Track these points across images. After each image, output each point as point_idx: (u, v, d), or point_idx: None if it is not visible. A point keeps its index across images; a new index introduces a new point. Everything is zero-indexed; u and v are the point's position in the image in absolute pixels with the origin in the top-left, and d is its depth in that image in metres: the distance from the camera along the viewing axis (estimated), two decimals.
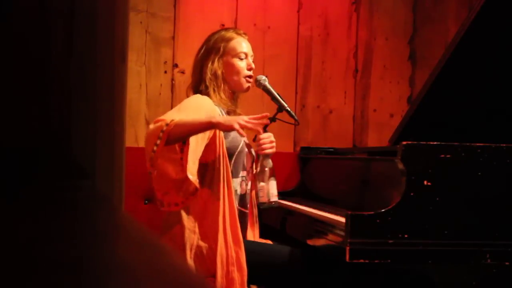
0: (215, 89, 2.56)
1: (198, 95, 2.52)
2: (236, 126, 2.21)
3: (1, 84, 0.71)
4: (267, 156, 2.55)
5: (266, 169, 2.56)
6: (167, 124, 2.21)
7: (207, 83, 2.56)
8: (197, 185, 2.32)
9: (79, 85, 0.75)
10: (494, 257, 2.16)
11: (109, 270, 0.44)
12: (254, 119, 2.29)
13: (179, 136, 2.24)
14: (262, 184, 2.54)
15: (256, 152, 2.59)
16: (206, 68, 2.57)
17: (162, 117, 2.30)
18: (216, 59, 2.57)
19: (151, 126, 2.29)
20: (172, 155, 2.31)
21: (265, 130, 2.65)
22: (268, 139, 2.54)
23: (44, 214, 0.62)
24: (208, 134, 2.38)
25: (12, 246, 0.47)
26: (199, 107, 2.42)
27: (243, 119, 2.26)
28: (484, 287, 2.21)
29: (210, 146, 2.43)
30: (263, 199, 2.52)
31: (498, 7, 2.40)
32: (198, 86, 2.59)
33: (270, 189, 2.54)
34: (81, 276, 0.41)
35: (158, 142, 2.22)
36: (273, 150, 2.56)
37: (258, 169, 2.56)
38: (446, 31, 3.68)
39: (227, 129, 2.27)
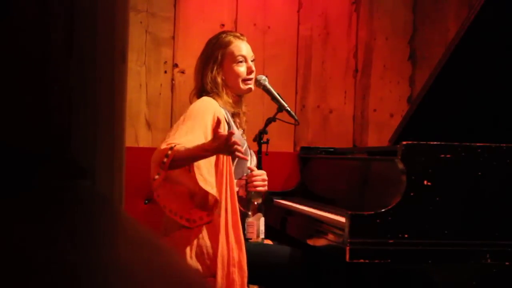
0: (218, 94, 2.56)
1: (204, 98, 2.52)
2: (229, 145, 2.21)
3: (1, 84, 0.71)
4: (258, 192, 2.56)
5: (256, 204, 2.56)
6: (171, 148, 2.27)
7: (209, 90, 2.57)
8: (217, 197, 2.36)
9: (79, 85, 0.75)
10: (494, 257, 2.16)
11: (109, 270, 0.44)
12: (235, 143, 2.24)
13: (182, 163, 2.31)
14: (250, 220, 2.54)
15: (247, 189, 2.57)
16: (206, 77, 2.57)
17: (170, 140, 2.34)
18: (215, 68, 2.57)
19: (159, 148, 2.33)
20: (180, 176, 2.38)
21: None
22: (261, 177, 2.55)
23: (44, 214, 0.62)
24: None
25: (12, 246, 0.47)
26: (205, 112, 2.43)
27: (229, 145, 2.21)
28: (484, 287, 2.21)
29: None
30: (252, 235, 2.53)
31: (498, 7, 2.40)
32: (201, 93, 2.60)
33: (260, 226, 2.55)
34: (81, 276, 0.41)
35: (162, 163, 2.28)
36: (265, 188, 2.57)
37: (248, 204, 2.56)
38: (446, 31, 3.68)
39: (225, 152, 2.29)
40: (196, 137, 2.34)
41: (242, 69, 2.59)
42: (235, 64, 2.58)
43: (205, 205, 2.41)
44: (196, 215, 2.40)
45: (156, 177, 2.30)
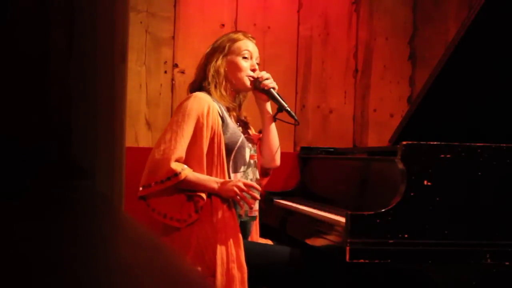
0: (217, 86, 2.59)
1: (196, 94, 2.52)
2: (237, 192, 2.39)
3: (1, 84, 0.71)
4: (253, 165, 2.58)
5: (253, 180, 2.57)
6: (178, 173, 2.36)
7: (210, 80, 2.59)
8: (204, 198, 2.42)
9: (79, 85, 0.75)
10: (494, 257, 2.16)
11: (109, 270, 0.44)
12: (249, 185, 2.43)
13: (183, 187, 2.41)
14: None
15: (258, 86, 2.61)
16: (210, 65, 2.61)
17: (167, 148, 2.40)
18: (221, 57, 2.61)
19: (158, 155, 2.42)
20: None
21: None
22: (266, 75, 2.62)
23: (44, 214, 0.62)
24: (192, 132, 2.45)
25: (12, 245, 0.47)
26: (197, 110, 2.45)
27: (239, 185, 2.41)
28: (484, 287, 2.21)
29: (208, 143, 2.45)
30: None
31: (498, 7, 2.40)
32: (202, 83, 2.61)
33: (256, 202, 2.55)
34: (81, 276, 0.41)
35: (160, 182, 2.39)
36: (271, 82, 2.62)
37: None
38: (446, 31, 3.68)
39: (228, 196, 2.43)
40: (187, 139, 2.42)
41: (246, 64, 2.61)
42: (240, 58, 2.61)
43: (192, 201, 2.43)
44: (185, 213, 2.41)
45: (147, 184, 2.42)
